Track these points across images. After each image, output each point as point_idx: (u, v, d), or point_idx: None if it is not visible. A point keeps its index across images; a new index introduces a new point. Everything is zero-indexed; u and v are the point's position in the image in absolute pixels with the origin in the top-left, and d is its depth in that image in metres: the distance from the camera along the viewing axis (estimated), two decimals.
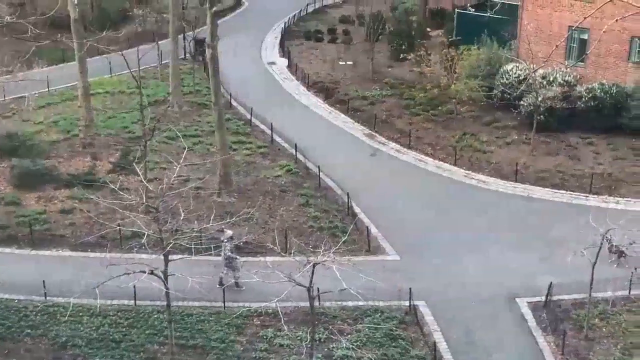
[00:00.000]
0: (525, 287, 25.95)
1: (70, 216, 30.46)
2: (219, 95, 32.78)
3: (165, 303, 21.38)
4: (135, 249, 25.25)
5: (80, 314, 24.25)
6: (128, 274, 19.63)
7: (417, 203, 32.49)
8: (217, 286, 25.14)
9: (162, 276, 19.93)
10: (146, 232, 20.50)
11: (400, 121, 41.77)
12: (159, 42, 47.82)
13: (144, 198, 21.24)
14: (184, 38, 49.81)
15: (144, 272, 19.54)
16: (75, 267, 26.83)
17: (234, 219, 24.29)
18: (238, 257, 25.56)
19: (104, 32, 36.13)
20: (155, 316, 24.22)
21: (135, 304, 24.66)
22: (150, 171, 32.14)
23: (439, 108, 43.02)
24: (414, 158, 37.41)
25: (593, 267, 22.48)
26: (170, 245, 19.94)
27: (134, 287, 22.76)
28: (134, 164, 27.08)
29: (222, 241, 25.42)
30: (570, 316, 24.45)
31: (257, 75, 49.98)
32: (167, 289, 20.27)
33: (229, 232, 25.56)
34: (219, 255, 25.45)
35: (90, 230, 28.80)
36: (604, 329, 23.94)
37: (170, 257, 20.19)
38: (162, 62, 48.43)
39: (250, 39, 56.98)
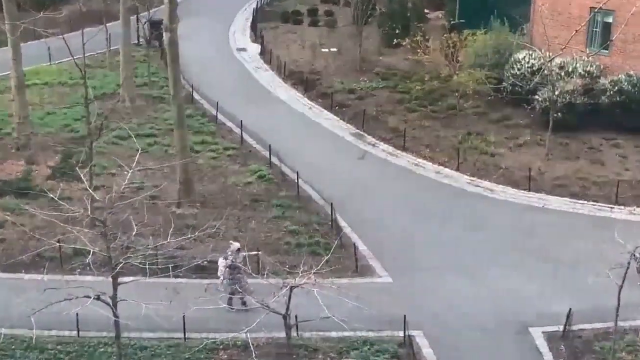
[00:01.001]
0: (540, 314, 26.04)
1: (1, 231, 30.23)
2: (178, 87, 32.71)
3: (113, 334, 21.25)
4: (79, 270, 25.12)
5: (13, 346, 24.04)
6: (69, 299, 19.49)
7: (413, 215, 32.58)
8: (228, 308, 24.70)
9: (111, 302, 19.82)
10: (91, 250, 20.39)
11: (393, 118, 41.90)
12: (108, 25, 47.68)
13: (89, 209, 21.12)
14: (137, 20, 49.68)
15: (89, 297, 19.42)
16: (6, 291, 26.61)
17: (196, 234, 24.16)
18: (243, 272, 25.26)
19: (42, 12, 35.96)
20: (102, 349, 24.07)
21: (78, 334, 24.49)
22: (96, 177, 31.99)
23: (439, 103, 43.22)
24: (409, 162, 37.53)
25: (619, 291, 22.56)
26: (120, 265, 19.84)
27: (77, 315, 22.58)
28: (77, 168, 26.91)
29: (228, 256, 25.37)
30: (593, 349, 24.57)
31: (224, 64, 49.97)
32: (116, 317, 20.16)
33: (236, 245, 25.66)
34: (213, 275, 25.19)
35: (25, 247, 28.58)
36: None
37: (120, 279, 20.08)
38: (111, 48, 48.30)
39: (216, 21, 57.03)
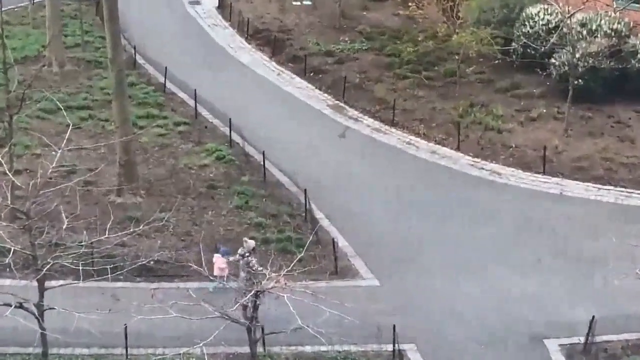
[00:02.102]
0: (556, 323, 26.23)
1: None
2: (118, 48, 32.56)
3: (40, 350, 21.19)
4: None
5: None
6: None
7: (404, 205, 32.67)
8: (243, 319, 24.69)
9: (36, 311, 19.76)
10: (12, 248, 20.30)
11: (380, 87, 41.97)
12: None
13: (9, 198, 21.02)
14: None
15: (10, 305, 19.35)
16: None
17: (140, 227, 24.15)
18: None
19: None
20: None
21: None
22: (17, 159, 31.84)
23: (435, 68, 43.35)
24: (399, 140, 37.63)
25: None
26: (48, 266, 19.77)
27: None
28: None
29: (243, 256, 25.46)
30: None
31: (173, 21, 49.79)
32: (42, 329, 20.11)
33: (251, 243, 25.73)
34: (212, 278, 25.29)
35: None
36: None
37: (47, 283, 20.03)
38: (35, 1, 47.94)
39: None
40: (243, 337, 19.99)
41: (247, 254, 25.41)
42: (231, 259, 25.94)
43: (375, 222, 31.54)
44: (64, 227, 21.06)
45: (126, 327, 23.63)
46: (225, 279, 26.43)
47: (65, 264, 20.46)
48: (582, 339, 25.13)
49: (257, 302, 21.32)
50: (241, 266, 25.43)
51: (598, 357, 24.96)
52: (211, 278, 25.18)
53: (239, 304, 19.54)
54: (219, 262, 26.71)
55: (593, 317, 24.86)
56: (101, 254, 24.78)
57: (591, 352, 25.01)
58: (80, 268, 21.65)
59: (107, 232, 22.16)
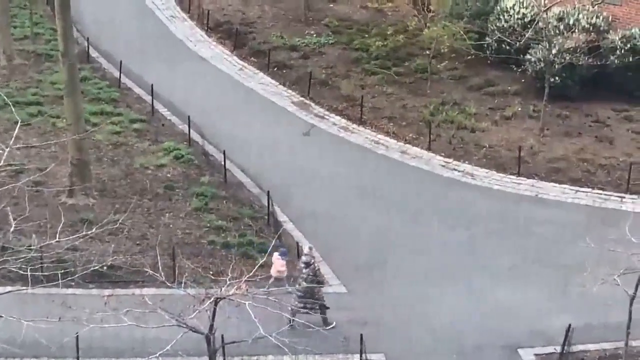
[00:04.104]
0: (531, 332, 26.37)
1: None
2: (70, 41, 32.39)
3: None
4: None
5: None
6: None
7: (373, 208, 32.72)
8: (288, 327, 24.33)
9: None
10: None
11: (347, 84, 42.02)
12: None
13: None
14: None
15: None
16: None
17: (93, 230, 23.99)
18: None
19: None
20: None
21: None
22: None
23: (406, 64, 43.42)
24: (367, 139, 37.69)
25: (631, 303, 22.95)
26: None
27: None
28: None
29: (308, 264, 25.80)
30: None
31: (129, 12, 49.55)
32: None
33: (307, 247, 26.36)
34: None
35: None
36: None
37: None
38: None
39: None
40: (202, 347, 19.91)
41: (312, 261, 25.95)
42: (301, 265, 26.29)
43: (342, 225, 31.57)
44: (12, 230, 20.91)
45: (77, 336, 23.51)
46: (284, 280, 26.86)
47: (13, 269, 20.31)
48: (559, 349, 25.29)
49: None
50: (305, 273, 25.81)
51: None
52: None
53: (197, 311, 19.49)
54: (278, 263, 27.19)
55: (569, 325, 25.02)
56: (51, 258, 24.67)
57: None
58: (29, 273, 21.47)
59: (57, 235, 21.99)
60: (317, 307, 26.13)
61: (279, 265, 27.24)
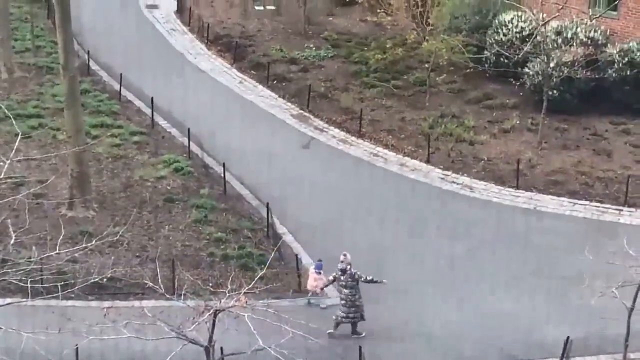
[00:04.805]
0: (529, 344, 26.33)
1: None
2: (70, 54, 32.42)
3: None
4: None
5: None
6: None
7: (370, 219, 32.71)
8: (331, 332, 25.73)
9: None
10: None
11: (346, 96, 42.07)
12: None
13: None
14: None
15: None
16: None
17: (93, 243, 24.00)
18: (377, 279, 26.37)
19: None
20: None
21: None
22: None
23: (404, 77, 43.52)
24: (366, 151, 37.71)
25: (629, 315, 22.95)
26: None
27: None
28: None
29: (344, 271, 25.92)
30: None
31: (129, 25, 49.65)
32: None
33: (349, 257, 26.25)
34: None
35: None
36: None
37: None
38: None
39: None
40: (201, 359, 19.88)
41: (347, 268, 25.97)
42: (331, 276, 26.59)
43: (341, 237, 31.51)
44: (12, 242, 20.88)
45: (77, 348, 23.46)
46: (319, 294, 27.39)
47: (13, 281, 20.27)
48: None
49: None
50: (344, 280, 25.92)
51: None
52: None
53: (196, 323, 19.47)
54: (312, 277, 27.42)
55: (568, 337, 25.00)
56: (51, 270, 24.59)
57: None
58: (29, 285, 21.45)
59: (57, 247, 21.97)
60: (360, 316, 26.22)
61: (312, 280, 27.37)
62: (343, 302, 26.10)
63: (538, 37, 37.83)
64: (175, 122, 39.23)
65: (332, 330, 26.08)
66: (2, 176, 21.53)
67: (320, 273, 27.29)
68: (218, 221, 32.04)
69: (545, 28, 37.43)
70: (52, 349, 23.25)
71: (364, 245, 31.09)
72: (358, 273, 25.96)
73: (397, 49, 43.18)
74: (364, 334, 26.27)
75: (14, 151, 22.26)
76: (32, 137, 36.43)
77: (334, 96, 42.20)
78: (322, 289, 27.51)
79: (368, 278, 26.10)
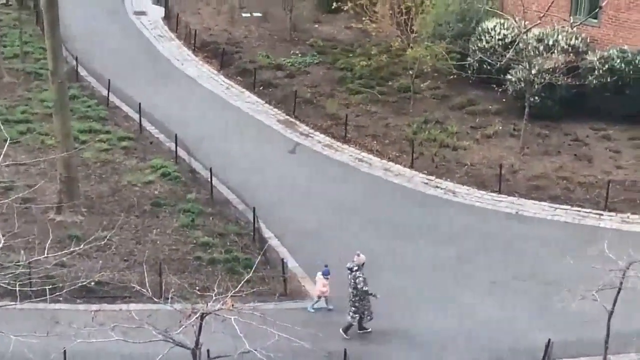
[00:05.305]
0: (513, 347, 26.40)
1: None
2: (59, 60, 32.38)
3: None
4: None
5: None
6: None
7: (356, 224, 32.74)
8: (344, 335, 26.25)
9: None
10: None
11: (332, 102, 42.11)
12: None
13: None
14: None
15: None
16: None
17: (81, 247, 23.95)
18: (371, 292, 26.47)
19: None
20: None
21: None
22: None
23: (389, 83, 43.58)
24: (351, 157, 37.75)
25: (609, 318, 23.03)
26: None
27: None
28: None
29: (351, 270, 26.18)
30: None
31: (117, 32, 49.61)
32: None
33: (362, 258, 26.43)
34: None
35: None
36: None
37: None
38: None
39: None
40: None
41: (355, 268, 26.17)
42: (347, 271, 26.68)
43: (327, 241, 31.56)
44: (0, 246, 20.83)
45: (65, 351, 23.43)
46: (326, 300, 27.56)
47: (2, 284, 20.24)
48: None
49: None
50: (349, 278, 26.21)
51: None
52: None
53: (183, 326, 19.46)
54: (321, 283, 27.52)
55: (549, 340, 25.08)
56: (39, 274, 24.57)
57: None
58: (18, 289, 21.40)
59: (46, 251, 21.94)
60: (370, 312, 26.42)
61: (320, 285, 27.47)
62: (352, 297, 26.37)
63: (520, 45, 37.86)
64: (162, 127, 39.20)
65: (345, 336, 26.41)
66: None
67: (328, 278, 27.37)
68: (205, 225, 32.03)
69: (527, 35, 37.49)
70: (40, 351, 23.22)
71: (348, 248, 31.05)
72: (360, 279, 26.08)
73: (381, 56, 43.22)
74: (369, 330, 26.56)
75: (2, 156, 22.21)
76: (20, 142, 36.40)
77: (320, 102, 42.23)
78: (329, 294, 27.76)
79: (364, 289, 26.20)
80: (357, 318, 26.45)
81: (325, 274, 27.46)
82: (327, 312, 27.71)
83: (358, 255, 26.59)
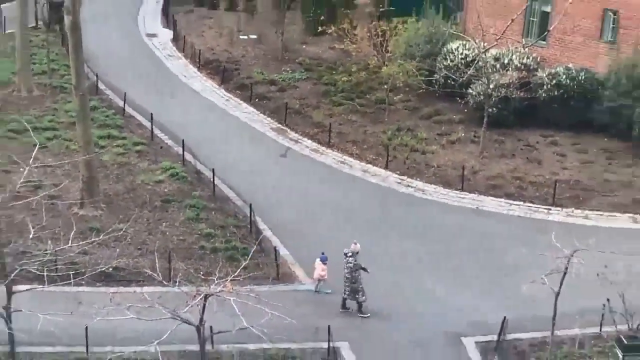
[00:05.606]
0: (473, 324, 26.41)
1: None
2: (81, 76, 32.28)
3: (7, 348, 20.84)
4: None
5: None
6: None
7: (338, 217, 32.73)
8: (340, 310, 26.58)
9: (4, 313, 19.45)
10: None
11: (317, 113, 42.04)
12: (2, 6, 46.78)
13: None
14: (36, 1, 48.84)
15: None
16: None
17: (100, 237, 23.94)
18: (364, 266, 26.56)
19: None
20: None
21: None
22: None
23: (367, 96, 43.50)
24: (335, 159, 37.70)
25: (556, 298, 23.07)
26: (16, 272, 19.47)
27: None
28: None
29: (346, 255, 26.31)
30: (529, 359, 25.03)
31: (132, 51, 49.46)
32: (10, 329, 19.79)
33: (357, 247, 26.57)
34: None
35: None
36: None
37: (14, 287, 19.72)
38: (6, 32, 47.38)
39: (123, 4, 56.36)
40: (193, 337, 19.85)
41: (349, 254, 26.30)
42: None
43: (313, 232, 31.54)
44: (31, 236, 20.79)
45: (87, 327, 23.36)
46: (324, 282, 27.53)
47: (32, 270, 20.16)
48: (495, 337, 25.36)
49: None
50: (344, 262, 26.33)
51: (508, 352, 25.20)
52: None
53: (189, 306, 19.41)
54: (320, 267, 27.45)
55: (505, 317, 25.11)
56: (64, 261, 24.52)
57: (502, 349, 25.25)
58: (45, 274, 21.37)
59: (70, 241, 21.90)
60: (358, 293, 26.41)
61: (320, 269, 27.43)
62: (346, 279, 26.44)
63: (480, 63, 37.93)
64: (171, 134, 39.07)
65: (345, 308, 26.67)
66: (22, 180, 21.43)
67: (325, 263, 27.41)
68: (208, 219, 31.96)
69: (485, 55, 37.54)
70: (65, 328, 23.15)
71: (332, 239, 31.07)
72: (352, 265, 26.22)
73: (360, 73, 43.18)
74: (368, 315, 26.51)
75: (32, 159, 22.15)
76: (48, 147, 36.24)
77: (307, 112, 42.14)
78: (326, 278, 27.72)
79: (350, 272, 26.31)
80: (352, 296, 26.48)
81: (323, 260, 27.45)
82: (320, 294, 27.70)
83: (355, 244, 26.73)
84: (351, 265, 26.29)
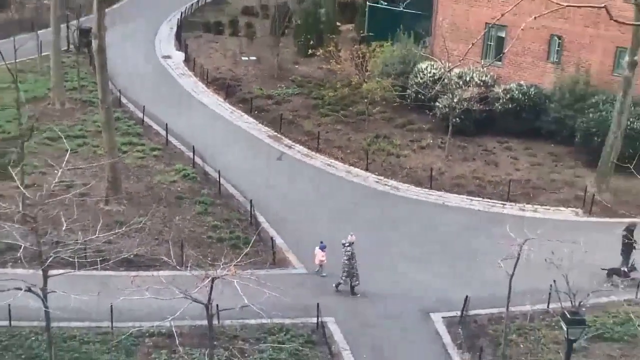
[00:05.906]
0: (440, 301, 26.52)
1: None
2: (106, 91, 32.26)
3: (44, 324, 20.82)
4: (10, 264, 24.50)
5: None
6: (2, 291, 18.98)
7: (326, 212, 32.76)
8: (335, 289, 26.68)
9: (41, 294, 19.42)
10: (22, 245, 19.93)
11: (308, 122, 42.05)
12: (39, 32, 46.66)
13: (21, 206, 20.64)
14: (68, 27, 48.71)
15: (20, 289, 19.00)
16: None
17: (123, 229, 23.89)
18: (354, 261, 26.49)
19: None
20: (33, 338, 23.54)
21: (10, 324, 23.91)
22: (27, 176, 31.27)
23: (350, 108, 43.53)
24: (322, 162, 37.72)
25: (510, 280, 23.13)
26: (51, 259, 19.44)
27: (9, 305, 22.04)
28: (9, 167, 26.25)
29: (343, 245, 26.26)
30: (487, 332, 25.12)
31: (150, 70, 49.37)
32: (46, 307, 19.76)
33: (353, 238, 26.47)
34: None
35: None
36: (522, 345, 24.68)
37: (50, 272, 19.69)
38: (42, 54, 47.23)
39: (142, 30, 56.26)
40: (202, 313, 19.84)
41: (346, 244, 26.28)
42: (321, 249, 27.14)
43: (303, 225, 31.58)
44: (64, 228, 20.76)
45: (112, 306, 23.35)
46: (322, 268, 27.56)
47: (64, 257, 20.15)
48: (459, 313, 25.45)
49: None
50: (343, 251, 26.36)
51: (470, 326, 25.30)
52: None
53: (199, 287, 19.36)
54: (320, 254, 27.38)
55: (467, 296, 25.20)
56: (92, 249, 24.48)
57: (465, 323, 25.34)
58: (76, 260, 21.33)
59: (97, 232, 21.85)
60: (352, 278, 26.42)
61: (320, 256, 27.46)
62: (343, 265, 26.43)
63: (445, 80, 38.08)
64: (183, 141, 39.01)
65: (336, 290, 26.74)
66: (56, 181, 21.38)
67: (324, 250, 27.48)
68: (215, 213, 31.96)
69: (450, 73, 37.68)
70: (93, 306, 23.13)
71: (320, 230, 31.14)
72: (349, 253, 26.20)
73: (344, 89, 43.19)
74: (358, 295, 26.59)
75: (65, 162, 22.11)
76: (78, 152, 36.20)
77: (299, 122, 42.13)
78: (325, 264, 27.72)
79: (346, 259, 26.35)
80: (348, 280, 26.49)
81: (322, 247, 27.41)
82: (319, 277, 27.79)
83: (351, 235, 26.67)
84: (349, 253, 26.26)
